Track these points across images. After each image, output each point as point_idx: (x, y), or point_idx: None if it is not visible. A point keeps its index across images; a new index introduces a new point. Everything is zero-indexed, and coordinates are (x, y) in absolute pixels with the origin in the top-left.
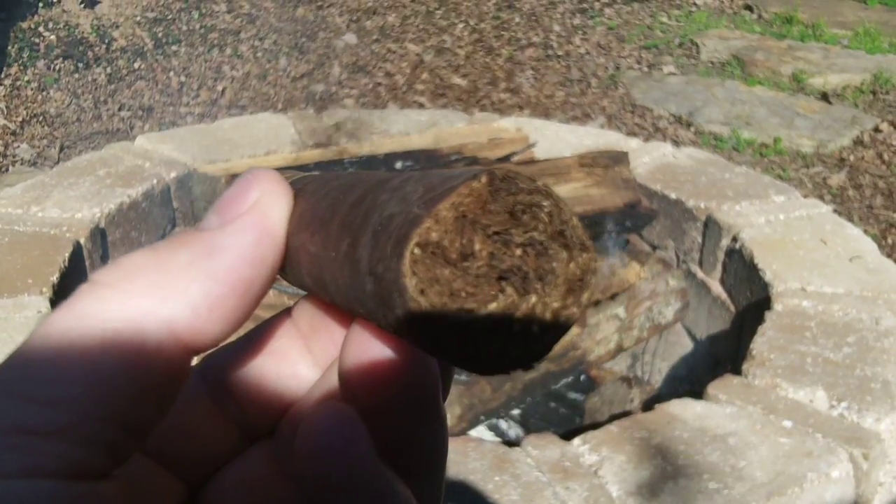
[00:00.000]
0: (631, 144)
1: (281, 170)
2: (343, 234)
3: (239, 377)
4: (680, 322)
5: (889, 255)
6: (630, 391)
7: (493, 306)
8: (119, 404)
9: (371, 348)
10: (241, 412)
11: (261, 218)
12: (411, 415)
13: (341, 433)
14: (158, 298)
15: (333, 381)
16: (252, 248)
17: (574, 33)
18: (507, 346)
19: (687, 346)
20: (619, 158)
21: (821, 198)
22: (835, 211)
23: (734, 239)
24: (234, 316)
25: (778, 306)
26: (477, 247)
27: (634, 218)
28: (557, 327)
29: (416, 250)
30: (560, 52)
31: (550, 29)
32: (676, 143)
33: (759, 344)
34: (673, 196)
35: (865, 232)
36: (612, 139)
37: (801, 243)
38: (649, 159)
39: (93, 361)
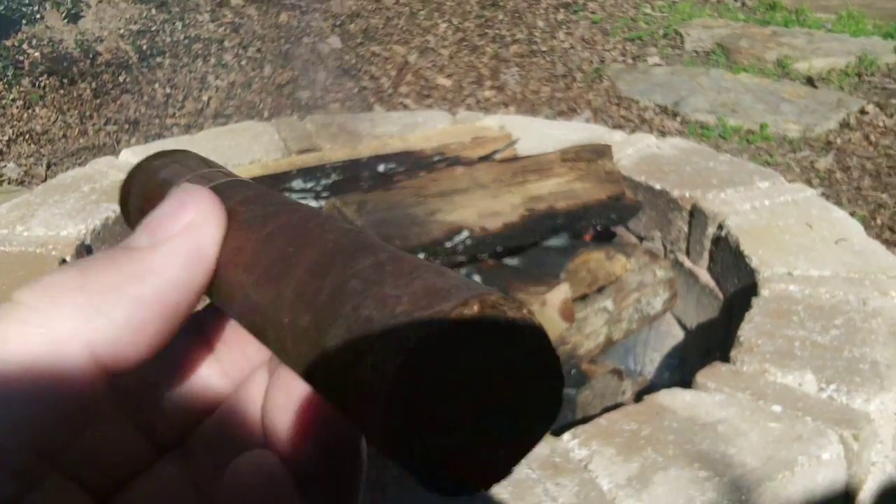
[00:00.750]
0: (615, 137)
1: (214, 171)
2: (300, 306)
3: (148, 388)
4: (670, 312)
5: (878, 236)
6: (622, 383)
7: (461, 436)
8: (34, 433)
9: (300, 400)
10: (151, 423)
11: (193, 241)
12: (334, 463)
13: (268, 490)
14: (82, 320)
15: (249, 402)
16: (181, 272)
17: (558, 28)
18: (470, 472)
19: (678, 335)
20: (602, 152)
21: (808, 182)
22: (823, 194)
23: (720, 227)
24: (158, 339)
25: (765, 292)
26: (458, 392)
27: (619, 210)
28: (521, 453)
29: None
30: (544, 48)
31: (534, 25)
32: (663, 133)
33: (746, 330)
34: (658, 187)
35: (854, 214)
36: (596, 133)
37: (786, 228)
38: (633, 151)
39: (8, 390)
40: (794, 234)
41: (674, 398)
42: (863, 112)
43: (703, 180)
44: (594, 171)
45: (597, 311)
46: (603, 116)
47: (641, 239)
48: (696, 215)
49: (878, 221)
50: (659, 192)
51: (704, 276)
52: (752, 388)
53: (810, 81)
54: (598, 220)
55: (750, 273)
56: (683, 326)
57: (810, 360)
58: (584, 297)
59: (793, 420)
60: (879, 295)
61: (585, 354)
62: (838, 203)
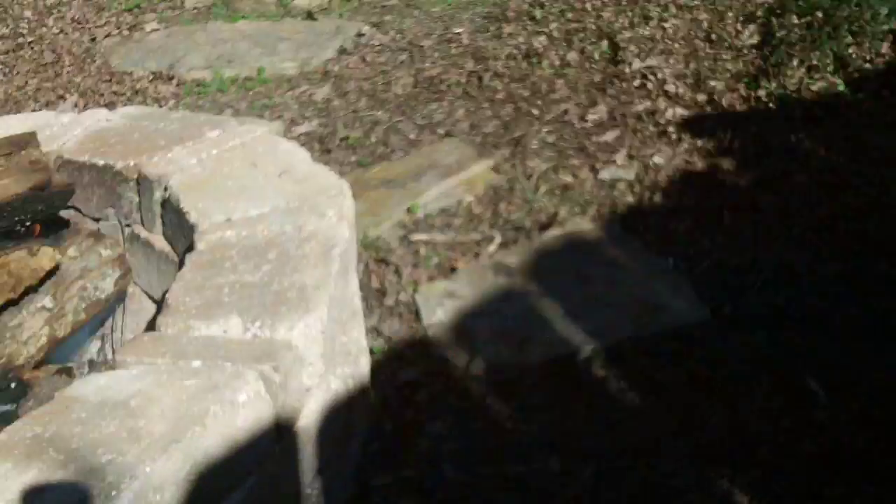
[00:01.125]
0: (63, 120)
1: None
2: None
3: None
4: (139, 288)
5: (373, 153)
6: (72, 380)
7: None
8: None
9: None
10: None
11: None
12: None
13: None
14: None
15: None
16: None
17: (47, 15)
18: None
19: (151, 309)
20: (25, 142)
21: (305, 116)
22: (320, 125)
23: (165, 189)
24: None
25: (200, 245)
26: None
27: (47, 200)
28: None
29: None
30: (31, 38)
31: (21, 17)
32: (157, 100)
33: (174, 290)
34: (101, 162)
35: (349, 137)
36: (42, 120)
37: (231, 174)
38: (81, 130)
39: None
40: (238, 177)
41: (87, 386)
42: (359, 35)
43: (151, 144)
44: (16, 164)
45: (34, 313)
46: (94, 97)
47: (98, 220)
48: (143, 182)
49: (373, 139)
50: (104, 168)
51: (160, 243)
52: (173, 350)
53: (310, 15)
54: (22, 215)
55: (191, 229)
56: (153, 299)
57: (238, 303)
58: (14, 303)
59: (211, 371)
60: (317, 218)
61: (27, 362)
62: (334, 130)
